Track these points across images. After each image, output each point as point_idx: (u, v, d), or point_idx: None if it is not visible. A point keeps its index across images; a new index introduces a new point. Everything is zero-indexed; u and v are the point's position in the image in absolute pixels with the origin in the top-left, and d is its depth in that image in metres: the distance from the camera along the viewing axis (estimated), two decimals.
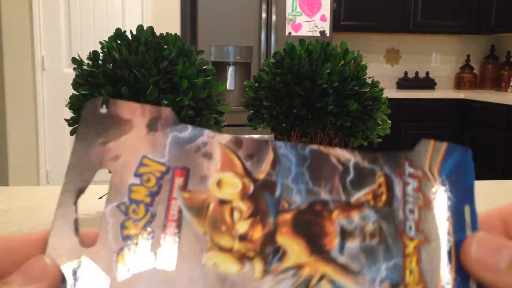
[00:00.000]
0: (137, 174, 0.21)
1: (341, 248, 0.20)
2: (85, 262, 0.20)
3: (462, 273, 0.20)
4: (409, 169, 0.22)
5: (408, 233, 0.21)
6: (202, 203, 0.21)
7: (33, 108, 3.18)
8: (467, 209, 0.21)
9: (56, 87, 3.17)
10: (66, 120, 0.66)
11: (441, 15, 3.74)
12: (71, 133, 0.65)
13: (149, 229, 0.20)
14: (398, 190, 0.22)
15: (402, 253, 0.21)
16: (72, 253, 0.20)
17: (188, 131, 0.22)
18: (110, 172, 0.21)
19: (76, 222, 0.20)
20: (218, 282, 0.20)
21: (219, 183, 0.21)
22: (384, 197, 0.21)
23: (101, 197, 0.73)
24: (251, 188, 0.21)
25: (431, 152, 0.22)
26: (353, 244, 0.21)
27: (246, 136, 0.22)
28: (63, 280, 0.19)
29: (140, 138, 0.21)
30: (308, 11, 3.02)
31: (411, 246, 0.21)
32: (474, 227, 0.21)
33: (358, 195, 0.21)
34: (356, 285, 0.20)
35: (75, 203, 0.20)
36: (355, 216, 0.21)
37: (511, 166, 3.13)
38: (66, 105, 0.66)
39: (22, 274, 0.19)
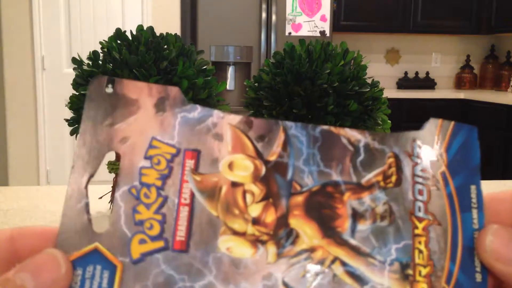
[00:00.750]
0: (147, 157, 0.21)
1: (353, 230, 0.21)
2: (99, 247, 0.19)
3: (468, 253, 0.21)
4: (418, 149, 0.22)
5: (417, 214, 0.21)
6: (214, 186, 0.21)
7: (33, 108, 3.18)
8: (473, 189, 0.22)
9: (56, 87, 3.17)
10: (66, 120, 0.66)
11: (441, 15, 3.73)
12: (71, 133, 0.65)
13: (161, 213, 0.20)
14: (407, 171, 0.22)
15: (412, 234, 0.21)
16: (85, 239, 0.19)
17: (197, 111, 0.21)
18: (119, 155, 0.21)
19: (87, 206, 0.20)
20: (232, 266, 0.20)
21: (230, 165, 0.21)
22: (394, 178, 0.22)
23: (101, 197, 0.73)
24: (263, 170, 0.21)
25: (439, 131, 0.22)
26: (364, 226, 0.21)
27: None
28: (74, 269, 0.19)
29: (148, 119, 0.21)
30: (308, 11, 3.02)
31: (420, 227, 0.21)
32: (480, 207, 0.21)
33: (369, 176, 0.22)
34: (367, 267, 0.20)
35: (86, 187, 0.20)
36: (366, 197, 0.21)
37: (511, 166, 3.13)
38: (66, 105, 0.66)
39: (30, 270, 0.18)
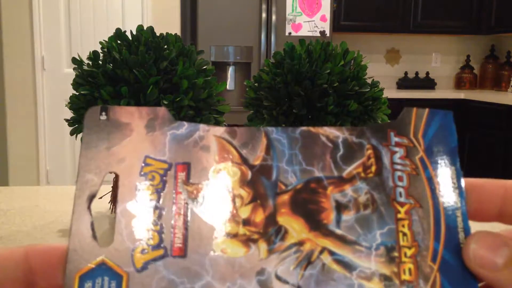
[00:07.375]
0: (142, 174, 0.22)
1: (338, 221, 0.22)
2: (105, 261, 0.21)
3: (451, 231, 0.22)
4: (395, 139, 0.23)
5: (399, 199, 0.22)
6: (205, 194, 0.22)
7: (33, 108, 3.18)
8: (452, 170, 0.23)
9: (56, 87, 3.17)
10: (66, 120, 0.66)
11: (441, 15, 3.74)
12: (71, 133, 0.65)
13: (159, 224, 0.21)
14: (386, 160, 0.23)
15: (395, 218, 0.22)
16: (92, 254, 0.21)
17: (185, 127, 0.23)
18: (116, 175, 0.22)
19: (92, 225, 0.21)
20: (227, 266, 0.21)
21: (218, 173, 0.22)
22: (373, 168, 0.23)
23: (101, 197, 0.73)
24: (249, 174, 0.22)
25: (414, 119, 0.24)
26: (348, 216, 0.22)
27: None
28: (85, 281, 0.21)
29: (141, 139, 0.23)
30: (308, 11, 3.02)
31: (402, 211, 0.22)
32: (460, 187, 0.22)
33: (349, 169, 0.23)
34: (354, 254, 0.21)
35: (89, 207, 0.22)
36: (348, 189, 0.22)
37: (511, 166, 3.13)
38: (66, 105, 0.66)
39: None
